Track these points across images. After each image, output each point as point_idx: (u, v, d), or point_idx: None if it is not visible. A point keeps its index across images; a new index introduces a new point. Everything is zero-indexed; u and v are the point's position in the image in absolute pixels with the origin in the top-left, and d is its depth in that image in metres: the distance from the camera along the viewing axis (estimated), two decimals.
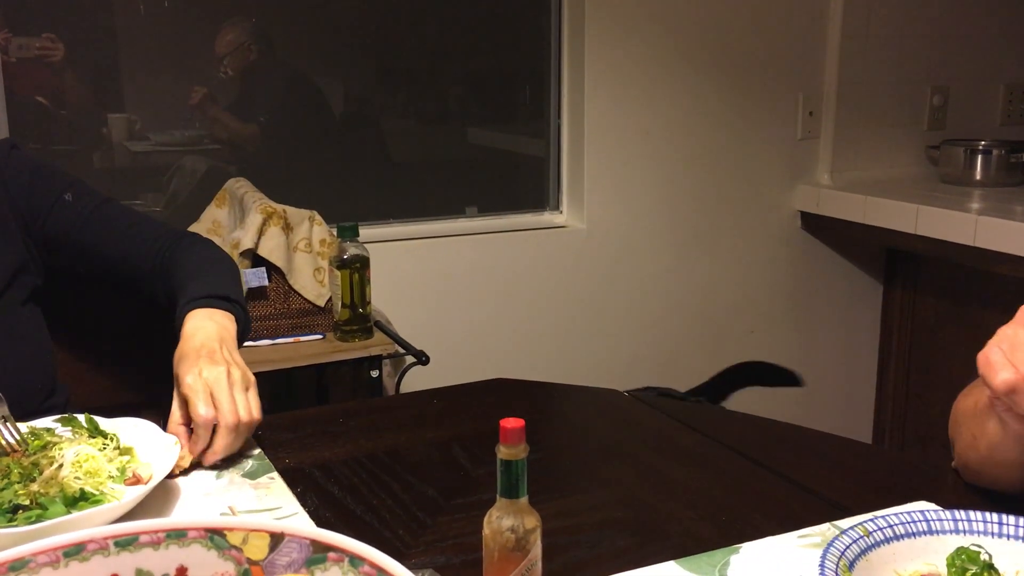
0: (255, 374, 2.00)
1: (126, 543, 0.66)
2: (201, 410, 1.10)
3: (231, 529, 0.67)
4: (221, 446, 1.11)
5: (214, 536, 0.67)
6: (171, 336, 1.28)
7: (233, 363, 1.17)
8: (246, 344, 2.02)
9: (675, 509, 1.06)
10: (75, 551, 0.65)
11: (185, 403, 1.13)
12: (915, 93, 2.97)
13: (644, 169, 2.73)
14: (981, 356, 0.89)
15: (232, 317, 1.27)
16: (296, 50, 2.54)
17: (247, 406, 1.14)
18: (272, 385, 2.25)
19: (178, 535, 0.67)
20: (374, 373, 2.09)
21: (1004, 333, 0.89)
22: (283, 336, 2.08)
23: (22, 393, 1.22)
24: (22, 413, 1.11)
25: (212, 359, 1.15)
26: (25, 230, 1.36)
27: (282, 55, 2.54)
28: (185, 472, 1.09)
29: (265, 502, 1.04)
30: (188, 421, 1.13)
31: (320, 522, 1.01)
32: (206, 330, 1.20)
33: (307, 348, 2.06)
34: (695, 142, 2.76)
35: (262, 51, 2.48)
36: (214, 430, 1.11)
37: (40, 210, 1.36)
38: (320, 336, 2.10)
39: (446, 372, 2.23)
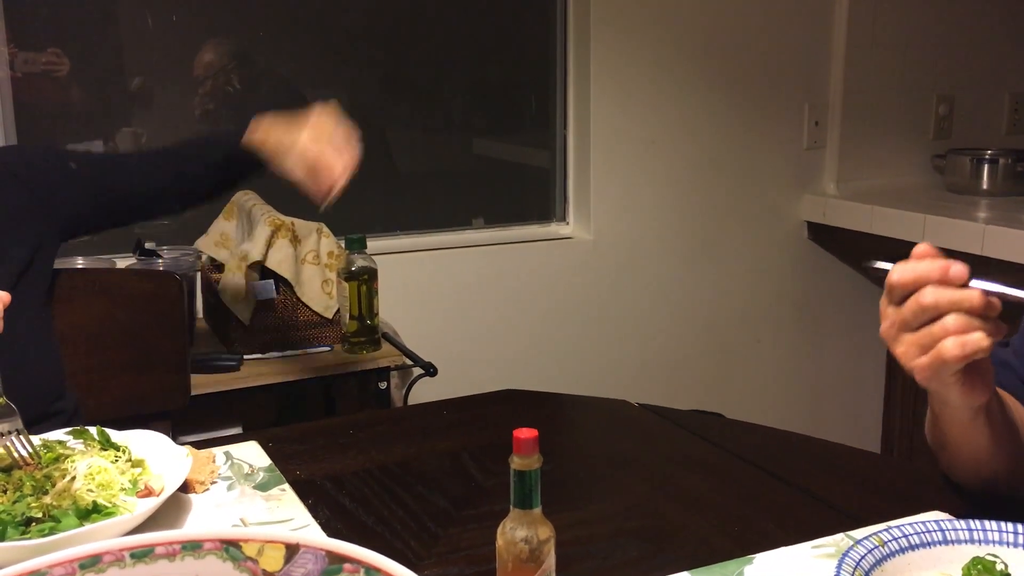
0: (263, 386, 2.01)
1: (142, 555, 0.66)
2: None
3: (247, 540, 0.67)
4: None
5: (229, 547, 0.67)
6: (181, 348, 1.29)
7: None
8: (254, 356, 2.03)
9: (687, 519, 1.06)
10: (91, 563, 0.65)
11: None
12: (921, 102, 2.97)
13: (650, 179, 2.73)
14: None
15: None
16: (300, 62, 2.55)
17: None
18: (280, 397, 2.26)
19: (194, 547, 0.67)
20: (382, 385, 2.09)
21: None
22: (291, 348, 2.08)
23: (29, 395, 1.23)
24: (30, 416, 1.11)
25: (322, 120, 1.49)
26: (46, 212, 1.43)
27: (273, 67, 2.54)
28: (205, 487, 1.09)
29: (277, 514, 1.04)
30: None
31: (332, 534, 1.01)
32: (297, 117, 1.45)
33: (315, 360, 2.06)
34: (701, 152, 2.77)
35: (244, 72, 2.46)
36: None
37: (54, 183, 1.46)
38: (328, 348, 2.10)
39: (454, 383, 2.22)
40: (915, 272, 0.84)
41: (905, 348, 0.86)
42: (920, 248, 0.86)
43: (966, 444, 0.99)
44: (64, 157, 1.52)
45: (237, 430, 2.00)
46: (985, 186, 2.80)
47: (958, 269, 0.83)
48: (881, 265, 0.90)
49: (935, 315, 0.83)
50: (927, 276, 0.84)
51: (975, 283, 0.83)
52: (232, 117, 2.48)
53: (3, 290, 1.05)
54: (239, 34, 2.45)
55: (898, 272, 0.85)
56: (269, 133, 1.47)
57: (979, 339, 0.82)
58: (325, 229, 2.12)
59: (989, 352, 0.84)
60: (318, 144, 1.45)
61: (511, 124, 2.79)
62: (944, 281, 0.83)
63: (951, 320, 0.83)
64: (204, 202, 1.67)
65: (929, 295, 0.83)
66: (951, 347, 0.82)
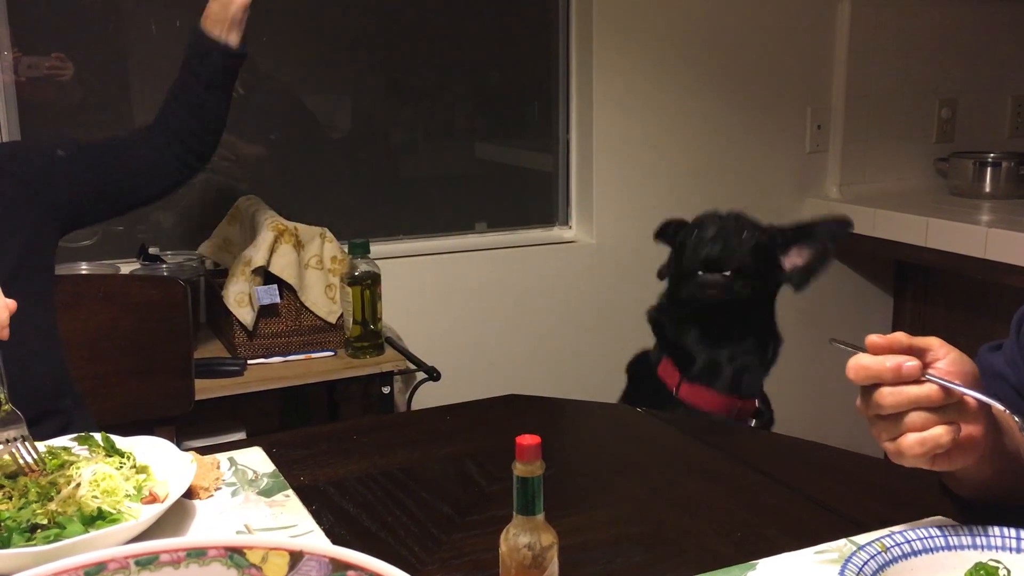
0: (266, 391, 2.02)
1: (147, 562, 0.66)
2: None
3: (251, 548, 0.67)
4: None
5: (234, 555, 0.67)
6: (185, 354, 1.29)
7: None
8: (257, 361, 2.03)
9: (690, 525, 1.06)
10: (96, 571, 0.65)
11: None
12: (923, 106, 2.97)
13: (653, 183, 2.73)
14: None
15: None
16: (304, 67, 2.55)
17: None
18: (283, 402, 2.26)
19: (198, 554, 0.67)
20: (385, 389, 2.09)
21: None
22: (295, 353, 2.08)
23: (31, 392, 1.23)
24: (33, 413, 1.12)
25: None
26: (43, 204, 1.44)
27: (277, 73, 2.54)
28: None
29: (280, 520, 1.04)
30: None
31: (335, 539, 1.01)
32: None
33: (319, 365, 2.07)
34: (704, 156, 2.77)
35: (276, 69, 2.48)
36: None
37: (49, 175, 1.48)
38: (331, 353, 2.10)
39: (457, 388, 2.23)
40: (868, 372, 0.87)
41: (876, 431, 0.89)
42: (871, 339, 0.88)
43: (964, 484, 1.00)
44: (52, 147, 1.53)
45: (240, 435, 2.00)
46: (988, 189, 2.80)
47: (910, 367, 0.85)
48: (842, 346, 0.92)
49: (896, 412, 0.86)
50: (880, 377, 0.86)
51: (930, 376, 0.85)
52: (232, 119, 2.49)
53: None
54: None
55: (852, 371, 0.88)
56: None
57: (939, 435, 0.84)
58: (328, 234, 2.12)
59: (952, 444, 0.85)
60: None
61: (514, 128, 2.80)
62: (898, 381, 0.85)
63: (910, 418, 0.85)
64: (203, 138, 1.69)
65: (887, 398, 0.86)
66: (911, 444, 0.85)
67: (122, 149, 1.61)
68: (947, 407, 0.85)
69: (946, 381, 0.85)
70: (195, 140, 1.65)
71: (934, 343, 0.89)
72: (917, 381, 0.85)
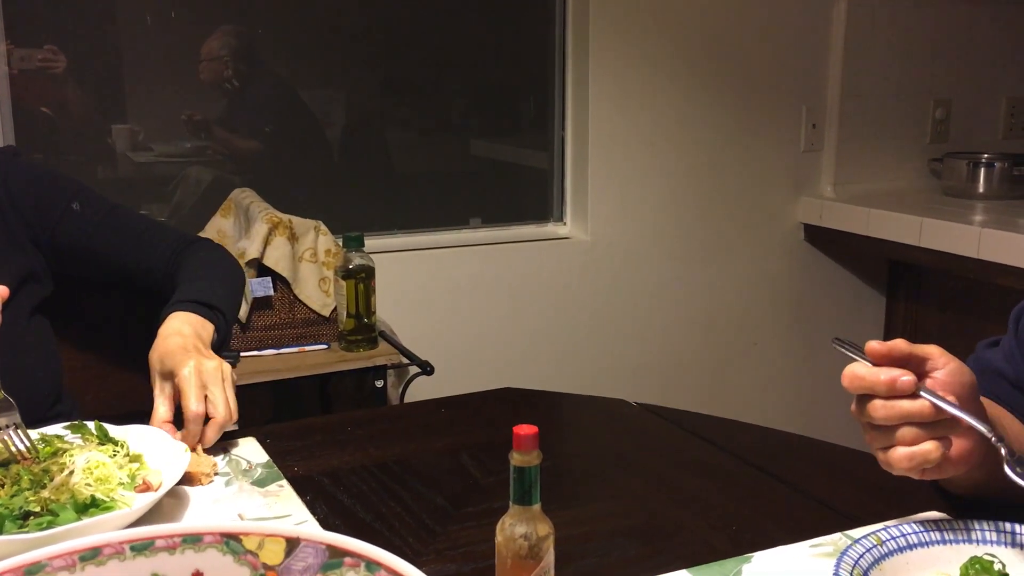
0: (259, 384, 2.01)
1: (142, 548, 0.66)
2: (193, 405, 1.12)
3: (247, 534, 0.67)
4: (211, 438, 1.14)
5: (230, 541, 0.67)
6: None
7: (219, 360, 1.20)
8: (251, 353, 2.03)
9: (685, 518, 1.06)
10: (91, 555, 0.65)
11: (172, 398, 1.16)
12: (918, 106, 2.98)
13: (648, 181, 2.73)
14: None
15: (211, 326, 1.28)
16: (300, 61, 2.55)
17: (235, 403, 1.18)
18: (276, 395, 2.26)
19: (194, 540, 0.67)
20: (379, 383, 2.08)
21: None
22: (288, 346, 2.08)
23: (30, 401, 1.22)
24: (30, 420, 1.11)
25: (202, 354, 1.18)
26: (33, 239, 1.36)
27: (273, 66, 2.54)
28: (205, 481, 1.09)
29: (275, 510, 1.04)
30: (173, 418, 1.15)
31: (330, 530, 1.00)
32: (183, 333, 1.22)
33: (312, 358, 2.06)
34: (699, 154, 2.77)
35: (241, 66, 2.46)
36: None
37: (48, 220, 1.36)
38: (325, 346, 2.10)
39: (450, 383, 2.22)
40: (862, 383, 0.87)
41: (868, 438, 0.90)
42: (871, 346, 0.88)
43: (957, 485, 1.00)
44: (73, 194, 1.38)
45: (233, 427, 1.99)
46: (981, 190, 2.81)
47: (905, 382, 0.85)
48: (843, 349, 0.92)
49: (888, 424, 0.86)
50: (874, 389, 0.86)
51: (924, 392, 0.85)
52: (227, 112, 2.48)
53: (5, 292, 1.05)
54: (220, 32, 2.44)
55: (847, 380, 0.88)
56: (159, 340, 1.22)
57: (928, 451, 0.85)
58: (323, 227, 2.12)
59: (942, 460, 0.86)
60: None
61: (509, 125, 2.79)
62: (892, 394, 0.85)
63: (901, 432, 0.86)
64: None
65: (879, 411, 0.86)
66: (899, 458, 0.86)
67: (123, 252, 1.41)
68: (939, 423, 0.85)
69: (939, 399, 0.85)
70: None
71: (934, 352, 0.88)
72: (911, 395, 0.85)
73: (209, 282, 1.34)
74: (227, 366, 1.19)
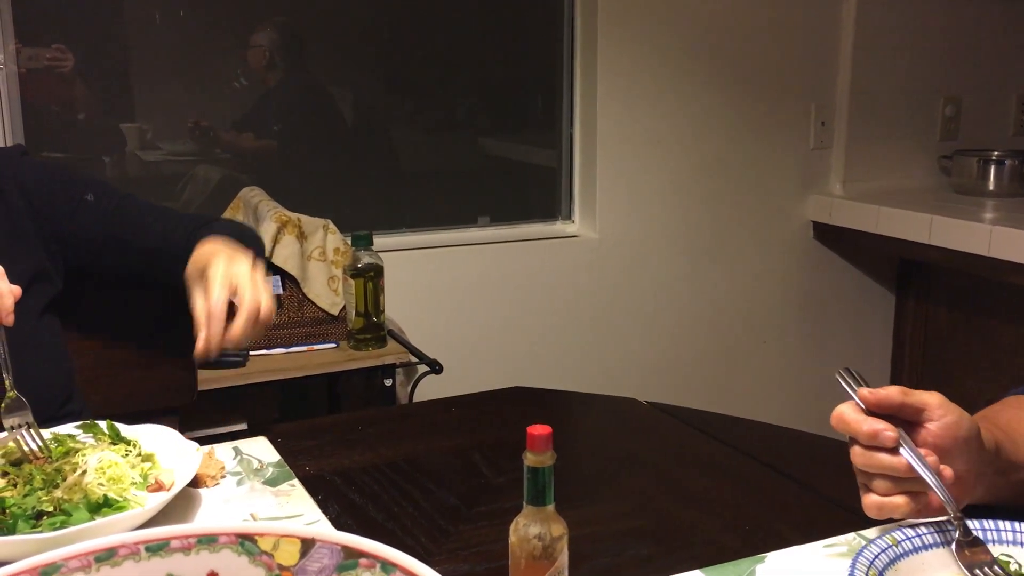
0: (268, 382, 2.01)
1: (157, 548, 0.66)
2: (216, 292, 1.07)
3: (262, 535, 0.67)
4: (239, 330, 1.08)
5: (245, 542, 0.67)
6: (189, 344, 1.28)
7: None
8: (259, 352, 2.03)
9: (698, 518, 1.05)
10: (107, 556, 0.64)
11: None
12: (927, 103, 2.96)
13: (656, 179, 2.72)
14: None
15: (249, 250, 1.22)
16: (308, 60, 2.55)
17: (269, 297, 1.12)
18: (285, 394, 2.26)
19: (209, 540, 0.66)
20: (387, 382, 2.09)
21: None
22: (297, 344, 2.08)
23: (40, 400, 1.22)
24: (41, 420, 1.11)
25: (234, 257, 1.14)
26: (46, 234, 1.36)
27: (281, 65, 2.54)
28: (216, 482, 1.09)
29: (286, 509, 1.04)
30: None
31: (342, 529, 1.00)
32: (218, 247, 1.18)
33: (321, 357, 2.06)
34: (707, 152, 2.76)
35: (277, 61, 2.48)
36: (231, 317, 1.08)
37: (62, 213, 1.36)
38: (334, 345, 2.10)
39: (459, 382, 2.22)
40: (846, 428, 0.88)
41: (854, 469, 0.91)
42: (863, 393, 0.88)
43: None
44: (85, 186, 1.37)
45: (242, 426, 2.00)
46: (992, 187, 2.80)
47: (886, 437, 0.85)
48: (842, 382, 0.92)
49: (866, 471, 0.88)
50: (856, 436, 0.87)
51: (904, 450, 0.85)
52: (235, 111, 2.48)
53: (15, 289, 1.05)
54: (264, 25, 2.45)
55: (833, 421, 0.89)
56: (195, 256, 1.23)
57: (897, 506, 0.87)
58: (331, 225, 2.12)
59: (911, 515, 0.87)
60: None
61: (517, 123, 2.79)
62: (872, 445, 0.86)
63: (875, 483, 0.88)
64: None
65: (858, 457, 0.88)
66: (869, 506, 0.89)
67: (142, 238, 1.37)
68: (915, 479, 0.85)
69: (917, 459, 0.85)
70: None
71: (932, 403, 0.88)
72: (892, 449, 0.86)
73: (236, 234, 1.30)
74: (262, 269, 1.12)
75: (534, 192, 2.79)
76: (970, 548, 0.85)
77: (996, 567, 0.83)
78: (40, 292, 1.36)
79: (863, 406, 0.89)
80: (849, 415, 0.88)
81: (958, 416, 0.88)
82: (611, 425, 1.39)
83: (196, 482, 1.06)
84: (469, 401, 1.43)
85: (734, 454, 1.24)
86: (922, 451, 0.86)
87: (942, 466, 0.86)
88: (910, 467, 0.85)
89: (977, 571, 0.83)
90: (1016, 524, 0.89)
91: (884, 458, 0.86)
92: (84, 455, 1.00)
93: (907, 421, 0.88)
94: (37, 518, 0.92)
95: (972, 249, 2.44)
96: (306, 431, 1.29)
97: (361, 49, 2.58)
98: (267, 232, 2.02)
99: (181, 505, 1.02)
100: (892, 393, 0.87)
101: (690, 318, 2.83)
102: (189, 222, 1.37)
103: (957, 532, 0.86)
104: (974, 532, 0.87)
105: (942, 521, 0.89)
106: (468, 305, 2.58)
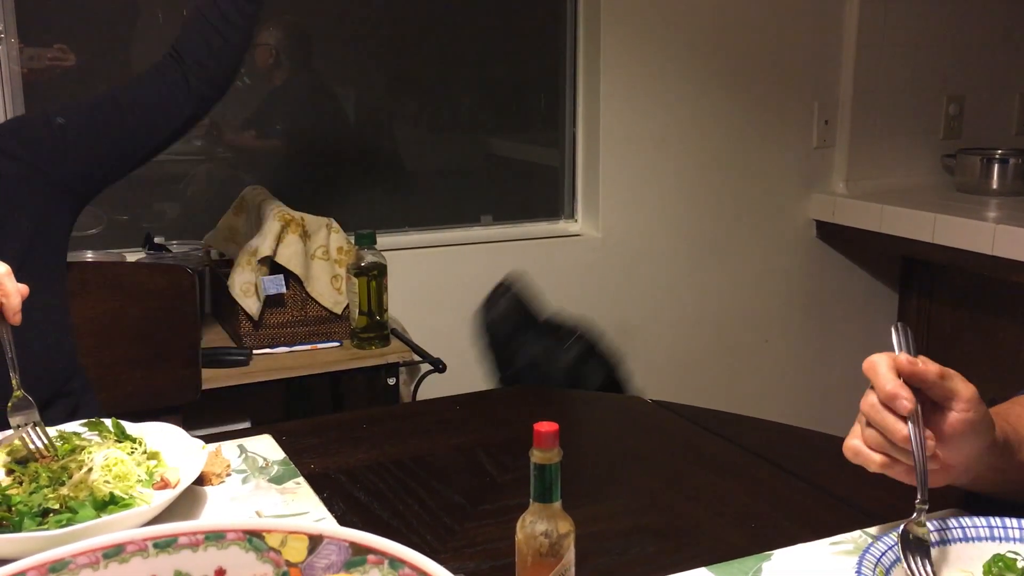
0: (272, 381, 2.01)
1: (165, 544, 0.66)
2: None
3: (270, 531, 0.67)
4: None
5: (253, 538, 0.67)
6: (193, 343, 1.29)
7: None
8: (263, 351, 2.03)
9: (704, 515, 1.05)
10: (115, 552, 0.64)
11: None
12: (931, 102, 2.96)
13: (659, 178, 2.72)
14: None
15: None
16: (312, 58, 2.55)
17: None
18: (288, 392, 2.26)
19: (217, 537, 0.66)
20: (391, 381, 2.08)
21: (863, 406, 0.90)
22: (300, 343, 2.08)
23: (44, 375, 1.22)
24: (42, 397, 1.11)
25: None
26: (54, 183, 1.40)
27: (282, 65, 2.54)
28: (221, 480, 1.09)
29: (292, 507, 1.04)
30: None
31: (347, 527, 1.00)
32: None
33: (324, 355, 2.06)
34: (710, 151, 2.76)
35: (283, 60, 2.48)
36: None
37: (50, 143, 1.42)
38: (337, 344, 2.10)
39: (462, 380, 2.22)
40: (873, 378, 0.88)
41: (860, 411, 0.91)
42: (900, 360, 0.88)
43: (973, 485, 0.99)
44: (51, 117, 1.45)
45: (246, 424, 2.00)
46: (995, 186, 2.80)
47: (903, 405, 0.85)
48: (894, 334, 0.93)
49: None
50: (877, 389, 0.87)
51: (910, 424, 0.85)
52: (239, 110, 2.48)
53: (9, 265, 1.04)
54: (268, 25, 2.45)
55: (867, 364, 0.89)
56: None
57: (872, 460, 0.88)
58: (335, 225, 2.12)
59: (881, 471, 0.88)
60: None
61: (521, 122, 2.79)
62: (886, 403, 0.86)
63: (867, 432, 0.88)
64: (221, 64, 1.58)
65: (866, 407, 0.88)
66: (849, 447, 0.90)
67: (133, 93, 1.52)
68: (904, 451, 0.85)
69: (918, 437, 0.85)
70: (213, 66, 1.55)
71: (964, 395, 0.87)
72: (902, 417, 0.85)
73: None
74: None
75: (537, 191, 2.79)
76: (919, 547, 0.85)
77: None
78: (40, 261, 1.36)
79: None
80: (881, 368, 0.87)
81: (980, 417, 0.88)
82: (616, 423, 1.39)
83: (202, 480, 1.07)
84: (474, 399, 1.43)
85: (740, 452, 1.24)
86: (926, 432, 0.86)
87: (935, 450, 0.86)
88: (907, 439, 0.85)
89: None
90: (1022, 521, 0.89)
91: (889, 419, 0.86)
92: (90, 453, 1.00)
93: (931, 399, 0.88)
94: (43, 516, 0.92)
95: (975, 248, 2.44)
96: (311, 429, 1.29)
97: (366, 48, 2.58)
98: (271, 231, 2.02)
99: (187, 503, 1.02)
100: (930, 371, 0.86)
101: (693, 317, 2.83)
102: (170, 54, 1.56)
103: (915, 514, 0.86)
104: (927, 524, 0.87)
105: (938, 516, 0.89)
106: (471, 304, 2.57)
